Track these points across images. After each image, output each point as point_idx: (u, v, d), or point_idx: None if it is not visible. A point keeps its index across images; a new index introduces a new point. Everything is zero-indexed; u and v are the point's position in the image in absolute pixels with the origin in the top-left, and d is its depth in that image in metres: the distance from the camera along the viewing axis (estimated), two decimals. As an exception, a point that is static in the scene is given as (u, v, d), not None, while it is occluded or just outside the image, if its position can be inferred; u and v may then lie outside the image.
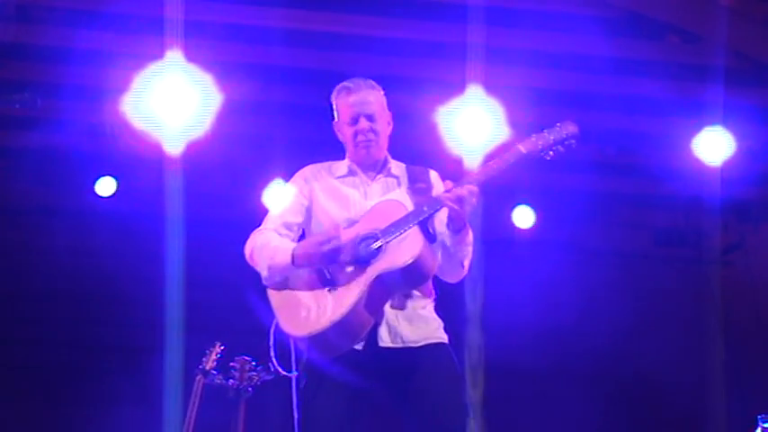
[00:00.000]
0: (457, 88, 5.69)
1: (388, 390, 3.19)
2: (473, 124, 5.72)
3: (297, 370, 3.16)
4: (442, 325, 3.28)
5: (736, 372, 7.00)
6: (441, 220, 3.23)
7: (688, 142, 6.16)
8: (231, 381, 4.69)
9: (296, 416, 3.16)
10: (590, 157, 6.65)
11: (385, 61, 5.72)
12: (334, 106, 3.40)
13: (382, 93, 3.40)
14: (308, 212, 3.34)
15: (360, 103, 3.33)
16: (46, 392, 6.70)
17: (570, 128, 3.24)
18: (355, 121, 3.32)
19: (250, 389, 4.67)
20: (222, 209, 6.60)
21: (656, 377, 7.36)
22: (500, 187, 6.75)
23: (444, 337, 3.26)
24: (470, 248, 3.25)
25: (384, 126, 3.37)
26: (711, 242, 7.41)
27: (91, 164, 6.48)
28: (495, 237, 6.90)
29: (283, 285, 3.19)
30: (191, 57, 5.27)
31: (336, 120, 3.41)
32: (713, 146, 6.10)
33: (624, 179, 7.02)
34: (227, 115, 5.66)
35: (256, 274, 3.28)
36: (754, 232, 7.23)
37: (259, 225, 3.39)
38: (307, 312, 3.10)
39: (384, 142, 3.38)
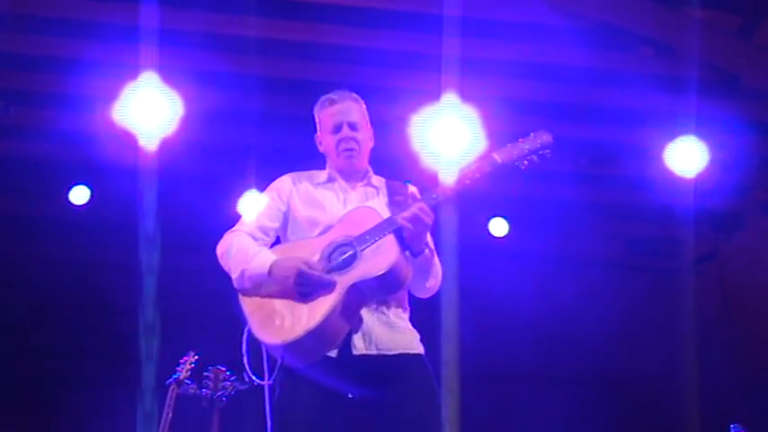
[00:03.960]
0: (433, 99, 5.71)
1: (363, 398, 3.16)
2: (449, 135, 5.73)
3: (270, 377, 3.13)
4: (418, 337, 3.27)
5: (710, 378, 7.04)
6: None
7: (662, 153, 6.20)
8: (205, 390, 4.67)
9: (269, 423, 3.15)
10: (565, 168, 6.68)
11: (360, 71, 5.73)
12: (317, 118, 3.42)
13: (364, 107, 3.42)
14: (285, 217, 3.34)
15: (343, 111, 3.36)
16: (22, 401, 6.65)
17: (545, 137, 3.24)
18: (338, 129, 3.34)
19: (224, 398, 4.66)
20: (197, 218, 6.58)
21: (630, 386, 7.39)
22: (476, 197, 6.79)
23: (420, 349, 3.25)
24: (436, 269, 3.25)
25: (366, 137, 3.39)
26: (685, 252, 7.45)
27: (65, 172, 6.45)
28: (472, 247, 6.93)
29: (257, 291, 3.16)
30: (166, 65, 5.26)
31: (318, 132, 3.43)
32: (687, 156, 6.14)
33: (598, 189, 7.05)
34: (201, 124, 5.66)
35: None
36: (727, 242, 7.29)
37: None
38: (281, 320, 3.07)
39: (366, 153, 3.40)
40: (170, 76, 5.37)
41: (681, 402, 6.87)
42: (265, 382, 3.14)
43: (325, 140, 3.39)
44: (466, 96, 5.67)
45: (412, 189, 3.40)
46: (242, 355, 3.16)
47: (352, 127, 3.35)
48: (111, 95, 5.42)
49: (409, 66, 5.84)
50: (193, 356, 4.79)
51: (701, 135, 6.06)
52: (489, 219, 6.96)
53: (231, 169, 6.41)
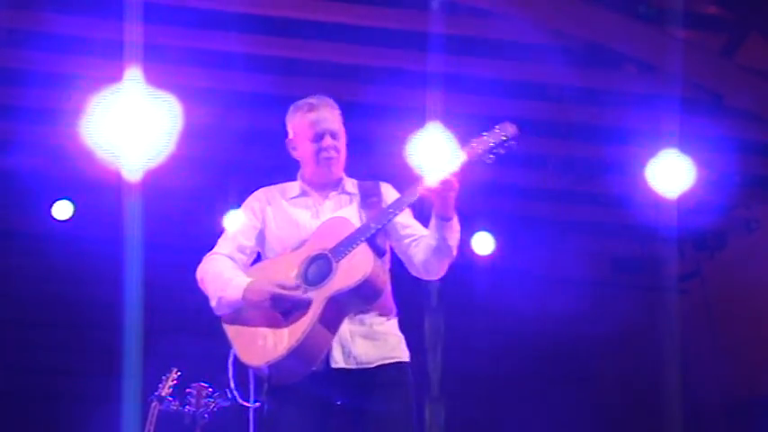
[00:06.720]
0: (420, 117, 5.73)
1: (345, 411, 3.17)
2: (432, 152, 5.74)
3: (257, 399, 3.13)
4: (402, 341, 3.26)
5: (694, 395, 7.06)
6: (402, 224, 3.25)
7: (645, 171, 6.22)
8: (187, 407, 4.64)
9: None
10: (549, 185, 6.71)
11: (345, 87, 5.74)
12: (292, 123, 3.38)
13: (339, 112, 3.40)
14: (261, 235, 3.34)
15: (324, 119, 3.32)
16: (1, 417, 6.60)
17: (509, 129, 3.19)
18: (320, 137, 3.30)
19: (206, 415, 4.62)
20: (181, 233, 6.56)
21: (614, 404, 7.39)
22: (459, 214, 6.80)
23: (403, 356, 3.24)
24: (458, 235, 3.23)
25: (344, 145, 3.37)
26: (669, 270, 7.48)
27: (48, 187, 6.42)
28: (454, 263, 6.91)
29: (237, 315, 3.17)
30: (150, 80, 5.25)
31: (292, 137, 3.38)
32: (670, 175, 6.16)
33: (582, 207, 7.07)
34: (186, 139, 5.65)
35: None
36: (710, 260, 7.32)
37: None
38: (263, 341, 3.08)
39: (344, 161, 3.38)
40: (154, 91, 5.36)
41: (665, 419, 6.88)
42: (252, 405, 3.15)
43: (302, 147, 3.35)
44: (451, 114, 5.69)
45: (385, 187, 3.39)
46: (228, 379, 3.17)
47: (333, 135, 3.32)
48: (94, 110, 5.40)
49: (395, 83, 5.86)
50: (176, 373, 4.76)
51: (685, 153, 6.09)
52: (473, 235, 6.96)
53: (215, 184, 6.41)
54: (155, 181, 5.81)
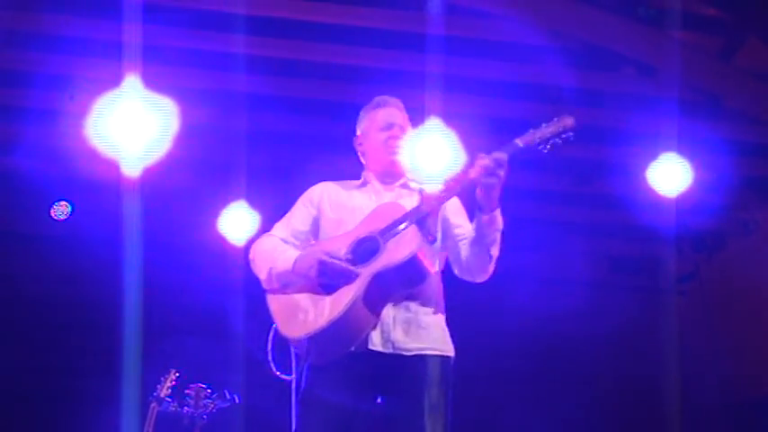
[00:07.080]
0: (417, 117, 5.72)
1: (377, 396, 3.18)
2: (431, 151, 5.75)
3: (297, 373, 3.16)
4: (447, 335, 3.27)
5: (692, 396, 7.06)
6: (454, 224, 3.30)
7: (644, 172, 6.23)
8: (186, 408, 4.66)
9: (294, 418, 3.16)
10: (547, 186, 6.71)
11: (344, 88, 5.74)
12: (366, 117, 3.53)
13: (408, 117, 3.58)
14: (316, 223, 3.39)
15: (395, 114, 3.50)
16: (1, 418, 6.61)
17: (568, 121, 3.25)
18: (390, 126, 3.45)
19: (205, 416, 4.64)
20: (180, 233, 6.57)
21: (613, 405, 7.40)
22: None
23: (446, 350, 3.25)
24: (499, 235, 3.25)
25: None
26: (668, 271, 7.48)
27: (48, 187, 6.43)
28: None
29: (283, 290, 3.21)
30: (149, 81, 5.26)
31: (361, 132, 3.52)
32: (669, 176, 6.17)
33: (581, 208, 7.07)
34: (185, 140, 5.66)
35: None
36: (709, 261, 7.33)
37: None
38: (305, 315, 3.11)
39: None
40: (154, 92, 5.36)
41: (664, 419, 6.89)
42: (289, 377, 3.18)
43: (370, 138, 3.48)
44: (449, 115, 5.70)
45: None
46: (266, 353, 3.22)
47: (402, 129, 3.47)
48: (94, 111, 5.41)
49: (394, 84, 5.85)
50: (174, 374, 4.78)
51: (683, 155, 6.09)
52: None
53: (215, 185, 6.41)
54: (154, 181, 5.82)
